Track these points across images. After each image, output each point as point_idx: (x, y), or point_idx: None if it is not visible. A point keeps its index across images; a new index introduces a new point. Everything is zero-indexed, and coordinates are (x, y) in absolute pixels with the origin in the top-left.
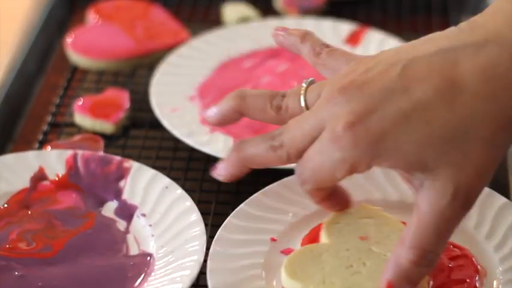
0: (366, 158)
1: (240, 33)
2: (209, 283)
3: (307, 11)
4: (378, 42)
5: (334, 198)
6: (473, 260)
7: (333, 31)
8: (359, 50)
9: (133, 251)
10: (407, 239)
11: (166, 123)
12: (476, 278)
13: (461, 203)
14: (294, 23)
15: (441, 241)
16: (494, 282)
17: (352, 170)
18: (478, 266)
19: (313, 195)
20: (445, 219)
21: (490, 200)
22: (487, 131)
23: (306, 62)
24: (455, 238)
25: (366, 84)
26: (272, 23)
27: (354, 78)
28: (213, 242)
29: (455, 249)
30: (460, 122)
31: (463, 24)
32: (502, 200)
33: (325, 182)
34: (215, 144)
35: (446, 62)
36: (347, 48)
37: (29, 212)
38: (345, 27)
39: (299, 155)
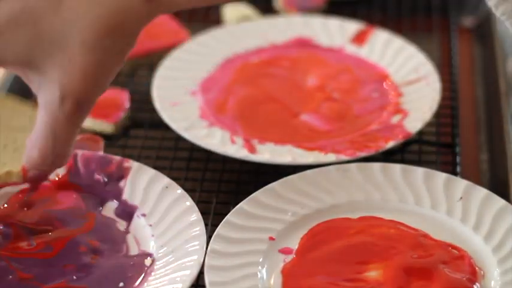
0: None
1: (243, 30)
2: (206, 280)
3: (307, 11)
4: (383, 42)
5: None
6: (471, 261)
7: (340, 30)
8: (365, 50)
9: (133, 251)
10: (32, 138)
11: (165, 116)
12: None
13: (70, 107)
14: (301, 21)
15: (60, 144)
16: (492, 284)
17: None
18: (476, 268)
19: None
20: (59, 123)
21: (489, 202)
22: (89, 35)
23: (306, 61)
24: (453, 239)
25: None
26: (276, 21)
27: None
28: (211, 240)
29: (454, 250)
30: (63, 25)
31: None
32: (501, 202)
33: None
34: (212, 138)
35: None
36: (353, 47)
37: (29, 212)
38: (352, 27)
39: None
